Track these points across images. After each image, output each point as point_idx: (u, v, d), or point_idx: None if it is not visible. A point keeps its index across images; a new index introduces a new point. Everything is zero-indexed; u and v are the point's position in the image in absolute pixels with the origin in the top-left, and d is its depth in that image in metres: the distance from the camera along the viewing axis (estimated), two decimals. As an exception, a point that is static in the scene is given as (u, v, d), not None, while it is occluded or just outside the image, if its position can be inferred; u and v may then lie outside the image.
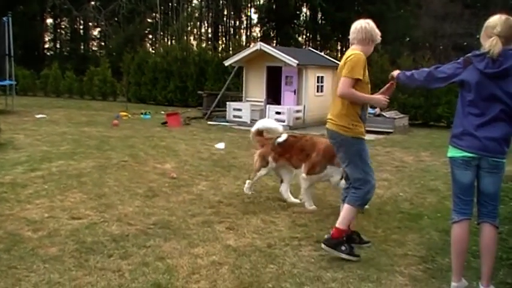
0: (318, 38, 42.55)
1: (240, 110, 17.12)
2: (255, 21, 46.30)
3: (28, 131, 12.66)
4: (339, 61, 5.05)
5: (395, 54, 23.99)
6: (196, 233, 5.19)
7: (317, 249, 4.78)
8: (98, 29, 45.65)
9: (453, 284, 3.86)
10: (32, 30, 38.72)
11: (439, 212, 6.20)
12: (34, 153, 9.42)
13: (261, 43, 17.74)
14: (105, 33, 42.36)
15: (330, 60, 18.48)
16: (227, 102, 17.76)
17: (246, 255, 4.58)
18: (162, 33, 44.29)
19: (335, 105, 4.61)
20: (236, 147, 11.32)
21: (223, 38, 46.69)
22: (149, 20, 45.64)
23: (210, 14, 46.09)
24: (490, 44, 3.61)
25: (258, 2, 44.81)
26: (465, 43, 26.17)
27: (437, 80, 3.92)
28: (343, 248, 4.48)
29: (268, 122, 7.16)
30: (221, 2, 45.24)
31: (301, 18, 43.09)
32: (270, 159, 6.57)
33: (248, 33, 47.51)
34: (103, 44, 45.92)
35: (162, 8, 41.99)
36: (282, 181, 6.72)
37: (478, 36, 3.79)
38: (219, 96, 18.80)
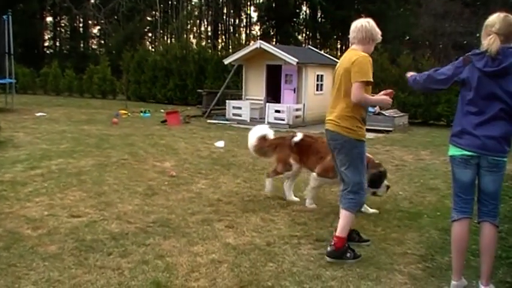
0: (318, 37, 42.56)
1: (239, 108, 17.12)
2: (254, 19, 46.39)
3: (28, 129, 12.66)
4: (339, 59, 4.98)
5: (395, 53, 23.99)
6: (195, 231, 5.19)
7: (316, 247, 4.79)
8: (98, 27, 45.73)
9: (453, 282, 3.86)
10: (32, 29, 38.75)
11: (439, 210, 6.21)
12: (34, 151, 9.42)
13: (261, 41, 17.76)
14: (105, 32, 42.37)
15: (330, 58, 18.48)
16: (227, 101, 17.77)
17: (245, 254, 4.58)
18: (161, 31, 44.32)
19: (338, 106, 4.48)
20: (236, 145, 11.32)
21: (223, 36, 46.72)
22: (149, 18, 45.70)
23: (210, 12, 46.08)
24: (488, 42, 3.61)
25: (258, 1, 44.78)
26: (465, 42, 26.16)
27: (437, 81, 3.90)
28: (348, 255, 4.46)
29: (263, 128, 6.95)
30: (221, 0, 45.23)
31: (301, 16, 43.08)
32: (291, 161, 6.39)
33: (248, 32, 47.56)
34: (103, 42, 45.97)
35: (161, 6, 42.00)
36: (287, 179, 6.63)
37: (478, 35, 3.80)
38: (218, 95, 18.81)
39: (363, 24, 4.51)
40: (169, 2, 43.64)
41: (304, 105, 16.62)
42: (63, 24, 47.67)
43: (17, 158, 8.65)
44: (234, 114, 17.09)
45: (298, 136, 6.43)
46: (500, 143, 3.61)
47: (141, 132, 13.00)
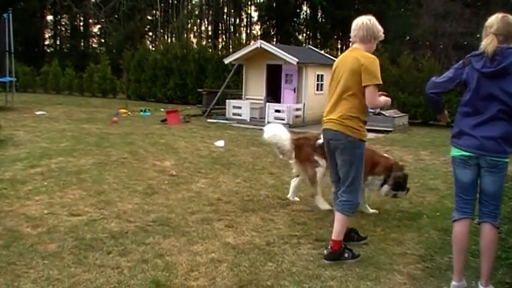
0: (318, 36, 42.56)
1: (239, 107, 17.12)
2: (255, 19, 46.39)
3: (28, 128, 12.66)
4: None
5: (395, 53, 24.00)
6: (195, 230, 5.19)
7: (316, 247, 4.79)
8: (98, 26, 45.73)
9: (453, 283, 3.86)
10: (32, 27, 38.77)
11: (438, 211, 6.21)
12: (34, 149, 9.42)
13: (261, 41, 17.76)
14: (105, 30, 42.37)
15: (330, 58, 18.46)
16: (227, 100, 17.77)
17: (245, 253, 4.58)
18: (162, 30, 44.33)
19: (341, 106, 4.37)
20: (235, 145, 11.33)
21: (223, 36, 46.72)
22: (149, 18, 45.69)
23: (210, 11, 46.07)
24: (485, 43, 3.63)
25: (258, 0, 44.77)
26: (465, 42, 26.15)
27: (439, 85, 3.84)
28: (346, 255, 4.45)
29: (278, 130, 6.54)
30: (221, -1, 45.28)
31: (302, 16, 43.08)
32: (316, 157, 6.08)
33: (248, 31, 47.57)
34: (103, 41, 45.96)
35: (162, 5, 42.01)
36: (297, 176, 6.51)
37: (478, 36, 3.80)
38: (218, 94, 18.81)
39: (363, 22, 4.41)
40: (170, 1, 43.64)
41: (304, 105, 16.62)
42: (63, 23, 47.72)
43: (17, 157, 8.65)
44: (234, 114, 17.09)
45: (322, 139, 6.23)
46: (499, 143, 3.60)
47: (141, 131, 13.00)
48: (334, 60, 4.78)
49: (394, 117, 15.94)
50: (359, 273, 4.21)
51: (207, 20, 47.78)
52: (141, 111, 18.63)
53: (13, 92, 18.61)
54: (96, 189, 6.69)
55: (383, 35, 4.52)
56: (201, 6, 45.86)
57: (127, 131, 12.90)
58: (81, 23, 47.34)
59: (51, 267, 4.11)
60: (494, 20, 3.68)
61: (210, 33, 46.42)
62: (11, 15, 17.61)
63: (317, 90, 17.11)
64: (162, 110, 18.96)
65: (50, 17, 46.22)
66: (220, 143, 11.20)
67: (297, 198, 6.50)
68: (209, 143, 11.39)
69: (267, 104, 16.65)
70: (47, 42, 46.51)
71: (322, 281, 4.04)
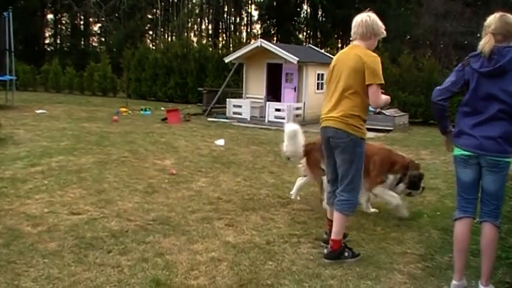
0: (319, 35, 42.53)
1: (240, 106, 17.13)
2: (255, 18, 46.35)
3: (28, 126, 12.65)
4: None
5: (395, 52, 23.99)
6: (195, 229, 5.19)
7: (316, 246, 4.79)
8: (99, 25, 45.67)
9: (454, 282, 3.86)
10: (33, 26, 38.74)
11: (439, 210, 6.21)
12: (34, 148, 9.42)
13: (262, 40, 17.76)
14: (106, 29, 42.32)
15: (331, 57, 18.36)
16: (227, 99, 17.78)
17: (245, 252, 4.58)
18: (162, 29, 44.31)
19: (342, 104, 4.32)
20: (236, 144, 11.33)
21: (224, 35, 46.67)
22: (150, 16, 45.66)
23: (211, 10, 45.99)
24: (482, 42, 3.64)
25: (259, -1, 44.77)
26: (466, 41, 26.14)
27: (445, 90, 3.80)
28: (346, 254, 4.45)
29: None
30: (222, -2, 45.24)
31: (302, 15, 43.06)
32: (323, 165, 5.81)
33: (248, 30, 47.55)
34: (103, 39, 45.89)
35: (162, 4, 41.98)
36: (304, 176, 6.43)
37: (478, 35, 3.79)
38: (219, 93, 18.81)
39: (363, 19, 4.38)
40: (170, 0, 43.59)
41: (304, 104, 16.62)
42: (63, 22, 47.65)
43: (17, 155, 8.65)
44: (234, 113, 17.09)
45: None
46: (499, 143, 3.60)
47: (141, 130, 13.00)
48: (334, 59, 4.74)
49: (395, 116, 15.94)
50: (359, 272, 4.21)
51: (208, 19, 47.73)
52: (142, 110, 18.63)
53: (13, 91, 18.61)
54: (97, 188, 6.69)
55: (384, 32, 4.46)
56: (202, 5, 45.85)
57: (127, 129, 12.90)
58: (82, 22, 47.30)
59: (51, 266, 4.11)
60: (492, 19, 3.69)
61: (210, 32, 46.37)
62: (11, 13, 17.58)
63: (317, 89, 17.11)
64: (163, 108, 18.96)
65: (50, 16, 46.20)
66: (220, 142, 11.21)
67: (298, 198, 6.49)
68: (209, 141, 11.39)
69: (267, 103, 16.65)
70: (47, 41, 46.48)
71: (322, 280, 4.04)
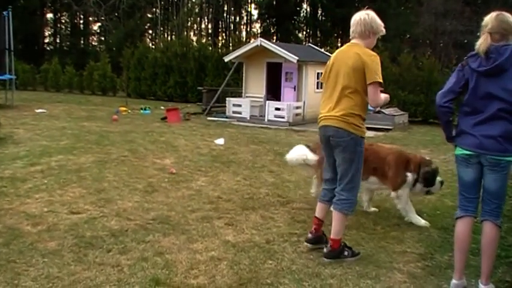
0: (318, 34, 42.53)
1: (239, 105, 17.12)
2: (255, 17, 46.32)
3: (28, 126, 12.65)
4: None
5: (395, 51, 23.99)
6: (195, 228, 5.19)
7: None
8: (98, 24, 45.63)
9: (454, 281, 3.86)
10: (32, 25, 38.72)
11: (438, 209, 6.21)
12: (34, 147, 9.42)
13: (261, 39, 17.75)
14: (105, 28, 42.26)
15: (330, 56, 18.44)
16: (227, 98, 17.77)
17: (244, 251, 4.58)
18: (162, 28, 44.29)
19: (343, 103, 4.30)
20: (235, 143, 11.33)
21: (223, 34, 46.66)
22: (149, 15, 45.64)
23: (210, 9, 45.98)
24: (479, 42, 3.67)
25: (259, -2, 44.74)
26: (466, 40, 26.12)
27: (448, 92, 3.80)
28: (346, 253, 4.45)
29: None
30: (221, -3, 45.22)
31: (302, 14, 43.04)
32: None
33: (248, 29, 47.53)
34: (103, 38, 45.86)
35: (162, 3, 41.98)
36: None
37: (478, 34, 3.79)
38: (218, 92, 18.81)
39: (361, 17, 4.36)
40: (170, -1, 43.63)
41: (304, 103, 16.62)
42: (63, 21, 47.63)
43: (17, 155, 8.65)
44: (234, 112, 17.09)
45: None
46: (499, 142, 3.59)
47: (141, 129, 12.99)
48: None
49: (394, 115, 15.93)
50: (359, 271, 4.21)
51: (207, 18, 47.72)
52: (141, 109, 18.63)
53: (13, 90, 18.59)
54: (96, 187, 6.69)
55: (384, 30, 4.45)
56: (201, 4, 45.80)
57: (127, 129, 12.90)
58: (81, 21, 47.26)
59: (51, 265, 4.11)
60: (489, 19, 3.70)
61: (210, 31, 46.37)
62: (10, 13, 17.57)
63: (317, 88, 17.09)
64: (162, 108, 18.96)
65: (49, 15, 46.18)
66: (220, 141, 11.20)
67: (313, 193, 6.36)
68: (209, 141, 11.38)
69: (267, 102, 16.65)
70: (46, 40, 46.45)
71: (321, 279, 4.04)
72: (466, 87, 3.74)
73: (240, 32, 45.30)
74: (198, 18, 46.76)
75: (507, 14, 3.69)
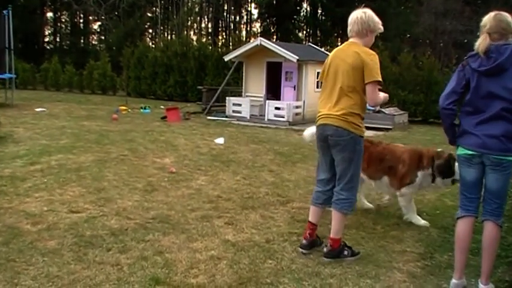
0: (318, 34, 42.50)
1: (239, 105, 17.11)
2: (255, 16, 46.31)
3: (27, 125, 12.64)
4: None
5: (395, 51, 23.99)
6: (195, 227, 5.19)
7: (316, 245, 4.79)
8: (98, 23, 45.65)
9: (453, 281, 3.86)
10: (32, 24, 38.70)
11: (438, 209, 6.21)
12: (33, 146, 9.41)
13: (261, 38, 17.72)
14: (105, 27, 42.30)
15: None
16: (227, 98, 17.76)
17: (244, 250, 4.58)
18: (162, 27, 44.27)
19: (342, 102, 4.28)
20: (235, 142, 11.33)
21: (224, 33, 46.67)
22: (149, 15, 45.64)
23: (211, 8, 45.99)
24: (478, 42, 3.68)
25: (259, -2, 44.73)
26: (465, 40, 26.14)
27: (451, 93, 3.79)
28: (345, 253, 4.45)
29: None
30: (221, -3, 45.21)
31: (302, 13, 43.03)
32: None
33: (248, 29, 47.50)
34: (103, 38, 45.88)
35: (162, 2, 41.96)
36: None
37: (478, 34, 3.80)
38: (218, 91, 18.81)
39: (358, 16, 4.36)
40: (170, -2, 43.62)
41: (304, 102, 16.61)
42: (63, 20, 47.62)
43: (17, 154, 8.64)
44: (234, 111, 17.09)
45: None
46: (502, 141, 3.59)
47: (141, 128, 12.99)
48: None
49: (394, 115, 15.93)
50: (358, 270, 4.21)
51: (207, 17, 47.72)
52: (141, 108, 18.62)
53: (13, 89, 18.59)
54: (96, 186, 6.69)
55: (382, 28, 4.43)
56: (201, 3, 45.80)
57: (127, 128, 12.89)
58: (81, 20, 47.25)
59: (50, 264, 4.11)
60: (487, 19, 3.72)
61: (210, 30, 46.36)
62: (10, 12, 17.57)
63: (317, 87, 17.07)
64: (162, 107, 18.96)
65: (49, 14, 46.17)
66: (220, 141, 11.20)
67: (371, 205, 6.23)
68: (209, 140, 11.38)
69: (267, 101, 16.64)
70: (46, 39, 46.43)
71: (321, 278, 4.04)
72: (468, 87, 3.74)
73: (240, 31, 45.28)
74: (198, 18, 46.74)
75: (505, 14, 3.69)
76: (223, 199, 6.37)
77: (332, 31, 39.92)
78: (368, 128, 14.28)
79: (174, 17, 41.64)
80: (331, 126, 4.32)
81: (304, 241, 4.67)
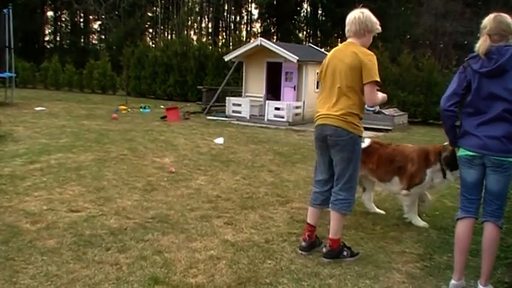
0: (319, 34, 42.51)
1: (239, 105, 17.11)
2: (255, 16, 46.33)
3: (27, 124, 12.64)
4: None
5: (395, 52, 24.00)
6: (194, 227, 5.19)
7: (315, 245, 4.79)
8: (98, 22, 45.64)
9: (452, 282, 3.86)
10: (33, 23, 38.70)
11: (437, 210, 6.21)
12: (33, 145, 9.41)
13: (262, 39, 17.73)
14: (106, 27, 42.29)
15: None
16: (226, 98, 17.76)
17: (243, 250, 4.58)
18: (162, 27, 44.28)
19: (341, 102, 4.28)
20: (235, 142, 11.32)
21: (224, 33, 46.68)
22: (150, 14, 45.64)
23: (211, 8, 46.00)
24: (478, 44, 3.69)
25: (259, -2, 44.74)
26: (466, 41, 26.17)
27: (452, 95, 3.80)
28: (345, 253, 4.45)
29: None
30: (222, -3, 45.21)
31: (302, 14, 43.03)
32: None
33: (248, 29, 47.52)
34: (103, 37, 45.86)
35: (162, 2, 41.97)
36: (364, 189, 6.15)
37: (478, 35, 3.80)
38: (218, 91, 18.81)
39: (355, 16, 4.35)
40: (170, -2, 43.63)
41: (304, 102, 16.61)
42: (63, 19, 47.60)
43: (16, 152, 8.64)
44: (233, 111, 17.08)
45: (366, 142, 5.81)
46: (503, 143, 3.60)
47: (140, 128, 12.99)
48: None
49: (394, 116, 15.94)
50: (358, 271, 4.21)
51: (208, 17, 47.73)
52: (141, 108, 18.61)
53: (13, 88, 18.59)
54: (96, 186, 6.69)
55: (379, 28, 4.43)
56: (202, 3, 45.81)
57: (127, 127, 12.89)
58: (82, 19, 47.23)
59: (49, 263, 4.11)
60: (487, 21, 3.72)
61: (210, 30, 46.36)
62: (11, 10, 17.57)
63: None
64: (162, 107, 18.95)
65: (50, 13, 46.16)
66: (219, 140, 11.20)
67: (382, 211, 6.12)
68: (209, 140, 11.38)
69: (267, 101, 16.64)
70: (47, 38, 46.41)
71: (320, 279, 4.04)
72: (469, 88, 3.74)
73: (240, 31, 45.28)
74: (199, 17, 46.76)
75: (505, 15, 3.70)
76: (222, 199, 6.37)
77: (332, 32, 39.93)
78: (368, 129, 14.33)
79: (175, 16, 41.66)
80: (331, 126, 4.32)
81: (303, 243, 4.67)
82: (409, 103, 18.75)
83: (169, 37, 41.36)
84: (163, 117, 15.49)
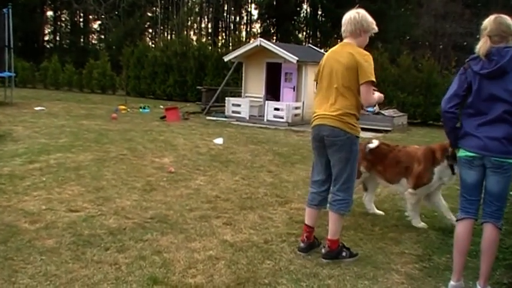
0: (318, 35, 42.52)
1: (239, 105, 17.12)
2: (255, 17, 46.35)
3: (27, 123, 12.64)
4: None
5: (395, 53, 23.98)
6: (193, 227, 5.19)
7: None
8: (98, 22, 45.69)
9: (451, 283, 3.86)
10: (32, 22, 38.71)
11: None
12: (32, 145, 9.41)
13: (261, 39, 17.74)
14: (105, 27, 42.31)
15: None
16: (226, 98, 17.77)
17: (242, 251, 4.58)
18: (162, 27, 44.29)
19: (339, 103, 4.29)
20: (234, 142, 11.32)
21: (223, 34, 46.68)
22: (149, 14, 45.67)
23: (211, 9, 46.01)
24: (479, 45, 3.68)
25: (259, -2, 44.75)
26: (465, 43, 26.24)
27: (453, 97, 3.80)
28: (344, 254, 4.45)
29: None
30: (222, -3, 45.22)
31: (302, 14, 43.04)
32: (362, 169, 5.78)
33: (248, 29, 47.53)
34: (103, 37, 45.90)
35: (162, 2, 41.98)
36: (365, 189, 6.18)
37: (478, 36, 3.81)
38: (218, 92, 18.82)
39: (351, 16, 4.37)
40: (170, -2, 43.64)
41: (303, 103, 16.62)
42: (63, 19, 47.65)
43: (16, 152, 8.64)
44: (233, 112, 17.09)
45: (374, 143, 5.87)
46: (503, 143, 3.60)
47: (140, 127, 12.99)
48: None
49: (393, 116, 15.95)
50: (357, 272, 4.21)
51: (207, 18, 47.74)
52: (140, 108, 18.62)
53: (12, 88, 18.59)
54: (95, 186, 6.68)
55: (375, 28, 4.44)
56: (201, 3, 45.82)
57: (126, 127, 12.89)
58: (81, 19, 47.24)
59: (48, 263, 4.10)
60: (487, 22, 3.72)
61: (210, 30, 46.38)
62: (10, 10, 17.57)
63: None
64: (162, 107, 18.95)
65: (49, 13, 46.19)
66: (219, 141, 11.20)
67: (382, 212, 6.13)
68: (208, 140, 11.38)
69: (267, 102, 16.65)
70: (46, 38, 46.42)
71: (319, 279, 4.04)
72: (470, 90, 3.74)
73: (240, 31, 45.25)
74: (198, 18, 46.78)
75: (505, 17, 3.70)
76: (221, 199, 6.37)
77: (332, 32, 39.85)
78: (367, 130, 14.34)
79: (174, 16, 41.68)
80: (328, 127, 4.33)
81: (302, 244, 4.67)
82: (408, 104, 18.77)
83: (169, 37, 41.39)
84: (163, 117, 15.50)
